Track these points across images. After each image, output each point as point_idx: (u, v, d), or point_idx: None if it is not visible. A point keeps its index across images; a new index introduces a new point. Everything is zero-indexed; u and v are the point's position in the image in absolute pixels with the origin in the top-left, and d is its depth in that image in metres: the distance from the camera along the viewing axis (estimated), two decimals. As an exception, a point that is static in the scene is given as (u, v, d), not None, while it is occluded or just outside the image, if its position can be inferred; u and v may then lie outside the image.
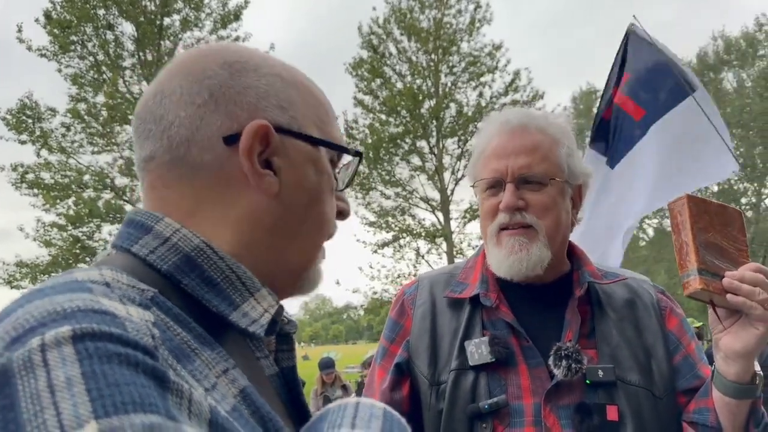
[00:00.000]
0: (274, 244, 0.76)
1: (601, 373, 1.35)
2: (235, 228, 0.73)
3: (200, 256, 0.70)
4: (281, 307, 0.75)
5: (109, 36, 16.56)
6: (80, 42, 16.36)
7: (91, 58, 16.55)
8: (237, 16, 17.53)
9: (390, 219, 19.42)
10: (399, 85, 19.40)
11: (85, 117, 16.32)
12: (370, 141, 18.76)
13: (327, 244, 0.85)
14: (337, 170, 0.84)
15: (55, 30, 15.99)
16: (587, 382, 1.35)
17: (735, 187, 28.82)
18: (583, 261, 1.52)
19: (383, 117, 19.38)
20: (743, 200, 28.96)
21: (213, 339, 0.66)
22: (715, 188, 29.16)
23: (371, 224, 19.37)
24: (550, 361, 1.35)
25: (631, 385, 1.37)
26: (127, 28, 16.75)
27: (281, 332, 0.80)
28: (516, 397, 1.36)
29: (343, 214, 0.86)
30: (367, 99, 19.58)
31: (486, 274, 1.50)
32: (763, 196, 28.61)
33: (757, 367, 1.26)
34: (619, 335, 1.41)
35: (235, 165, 0.72)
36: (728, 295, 1.20)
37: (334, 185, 0.83)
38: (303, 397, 0.81)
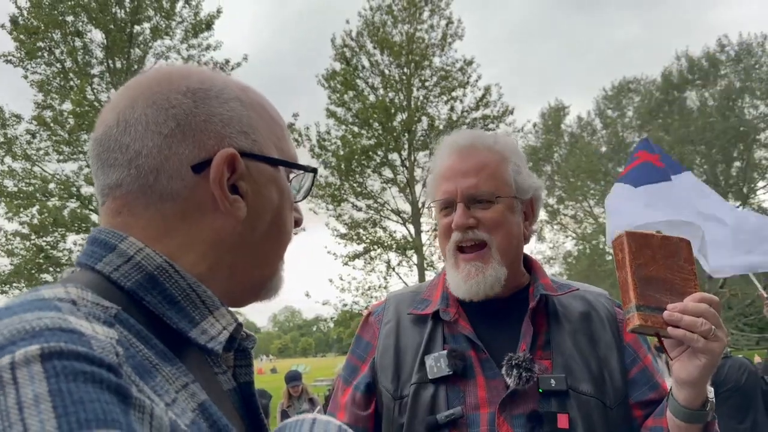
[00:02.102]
0: (238, 263, 0.79)
1: (553, 382, 1.40)
2: (200, 250, 0.76)
3: (162, 274, 0.72)
4: (240, 325, 0.78)
5: (78, 43, 16.32)
6: (48, 48, 16.08)
7: (58, 65, 16.28)
8: (209, 25, 17.43)
9: (361, 231, 19.41)
10: (371, 97, 19.47)
11: (51, 125, 16.01)
12: (342, 153, 18.77)
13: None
14: (289, 181, 0.87)
15: (22, 36, 15.70)
16: (540, 391, 1.40)
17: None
18: (539, 274, 1.58)
19: (355, 129, 19.42)
20: (706, 216, 29.57)
21: (174, 355, 0.68)
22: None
23: (342, 236, 19.32)
24: (503, 371, 1.40)
25: (582, 394, 1.41)
26: (97, 35, 16.54)
27: (239, 347, 0.82)
28: (473, 408, 1.40)
29: (297, 223, 0.90)
30: (340, 111, 19.61)
31: (447, 291, 1.56)
32: (725, 213, 29.26)
33: (711, 394, 1.28)
34: (573, 346, 1.46)
35: (204, 191, 0.75)
36: (669, 328, 1.21)
37: (293, 199, 0.87)
38: (260, 412, 0.83)
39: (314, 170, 0.90)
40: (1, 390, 0.49)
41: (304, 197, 0.90)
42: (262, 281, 0.85)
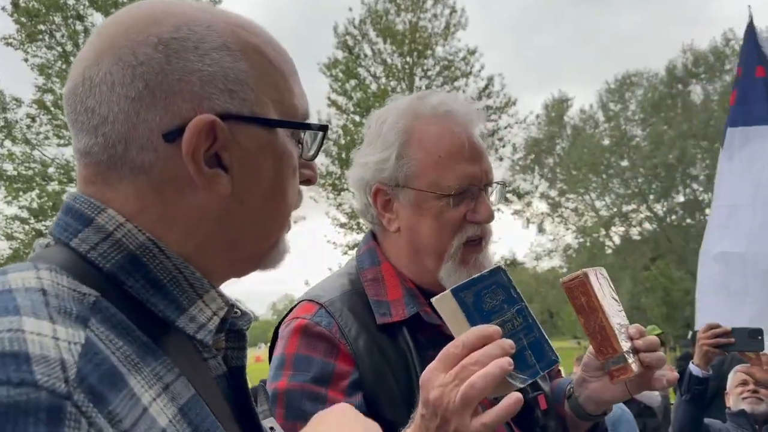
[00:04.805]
0: (229, 240, 0.70)
1: None
2: (184, 228, 0.67)
3: (146, 254, 0.65)
4: (231, 306, 0.72)
5: (79, 27, 16.24)
6: (48, 32, 16.01)
7: (59, 49, 16.21)
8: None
9: (361, 221, 19.39)
10: (373, 86, 19.40)
11: (52, 108, 15.97)
12: (343, 142, 18.73)
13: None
14: (303, 135, 0.76)
15: (23, 19, 15.63)
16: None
17: (700, 198, 29.50)
18: None
19: (357, 118, 19.36)
20: (708, 211, 29.63)
21: (157, 346, 0.62)
22: (681, 198, 29.83)
23: (342, 225, 19.32)
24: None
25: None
26: (98, 18, 16.45)
27: (233, 328, 0.75)
28: None
29: (309, 181, 0.79)
30: (341, 100, 19.55)
31: (410, 287, 1.32)
32: (726, 208, 29.30)
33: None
34: None
35: (180, 163, 0.65)
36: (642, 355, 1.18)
37: (297, 162, 0.75)
38: (250, 398, 0.77)
39: (323, 128, 0.77)
40: None
41: (316, 155, 0.78)
42: (261, 254, 0.75)
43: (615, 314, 1.18)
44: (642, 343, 1.17)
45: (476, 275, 1.00)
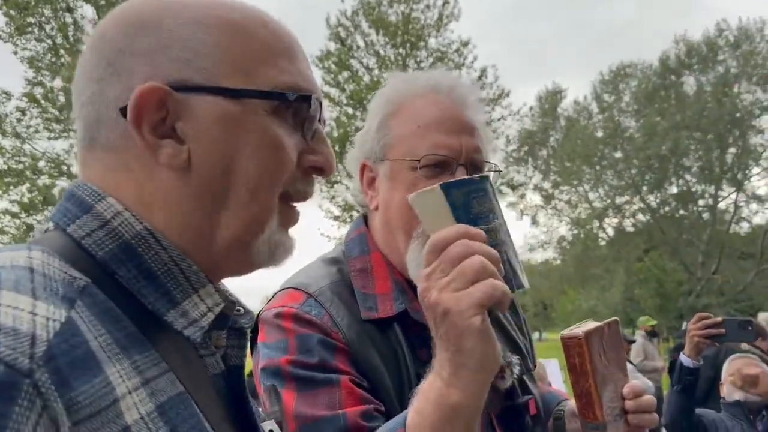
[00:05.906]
0: (200, 222, 0.66)
1: (517, 368, 1.27)
2: (162, 210, 0.65)
3: (141, 244, 0.63)
4: (232, 303, 0.70)
5: (68, 19, 16.12)
6: (38, 24, 15.88)
7: (49, 41, 16.09)
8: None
9: (355, 213, 19.38)
10: (366, 78, 19.35)
11: (42, 102, 15.87)
12: (336, 134, 18.68)
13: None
14: (304, 114, 0.70)
15: (12, 11, 15.49)
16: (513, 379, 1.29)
17: (693, 189, 29.59)
18: None
19: (350, 110, 19.31)
20: (701, 202, 29.75)
21: (146, 338, 0.59)
22: (674, 190, 29.91)
23: (336, 218, 19.30)
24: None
25: (530, 371, 1.36)
26: (87, 10, 16.34)
27: (234, 326, 0.73)
28: None
29: (322, 170, 0.73)
30: (334, 92, 19.48)
31: (399, 280, 1.22)
32: (720, 199, 29.43)
33: None
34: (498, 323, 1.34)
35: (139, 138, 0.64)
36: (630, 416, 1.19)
37: (285, 142, 0.68)
38: (248, 399, 0.74)
39: (304, 98, 0.69)
40: None
41: (313, 133, 0.71)
42: (244, 243, 0.68)
43: (610, 375, 1.17)
44: (633, 404, 1.17)
45: (466, 177, 0.92)
